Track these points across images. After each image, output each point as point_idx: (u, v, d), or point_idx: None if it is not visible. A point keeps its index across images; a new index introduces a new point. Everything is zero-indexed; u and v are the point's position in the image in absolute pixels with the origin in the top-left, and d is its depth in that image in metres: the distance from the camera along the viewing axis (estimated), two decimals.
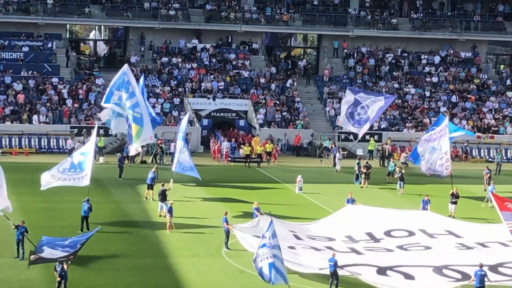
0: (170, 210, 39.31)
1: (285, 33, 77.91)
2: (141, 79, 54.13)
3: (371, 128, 65.51)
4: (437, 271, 33.51)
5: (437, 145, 49.81)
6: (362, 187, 52.04)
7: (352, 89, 61.49)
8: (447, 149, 49.88)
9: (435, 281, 32.43)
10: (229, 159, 59.30)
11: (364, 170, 52.71)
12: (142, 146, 57.69)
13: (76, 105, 63.68)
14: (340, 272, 31.49)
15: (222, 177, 53.61)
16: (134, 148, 50.70)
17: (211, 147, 61.83)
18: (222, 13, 72.64)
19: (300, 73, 72.40)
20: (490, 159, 64.26)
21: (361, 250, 36.33)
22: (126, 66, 50.81)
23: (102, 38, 79.05)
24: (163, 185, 42.71)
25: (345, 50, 74.63)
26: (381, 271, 33.20)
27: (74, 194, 40.73)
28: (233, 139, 61.95)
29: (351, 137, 62.64)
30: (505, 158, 64.91)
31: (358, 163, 53.83)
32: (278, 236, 33.00)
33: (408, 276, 32.78)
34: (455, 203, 45.01)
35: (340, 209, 41.50)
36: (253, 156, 59.33)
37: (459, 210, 45.12)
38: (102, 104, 51.64)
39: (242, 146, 60.48)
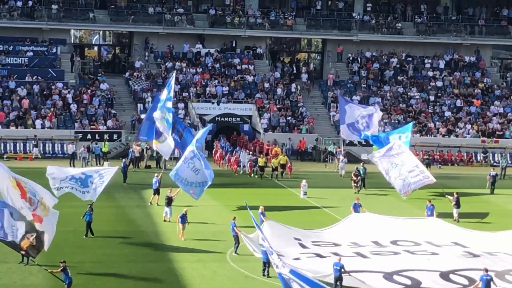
0: (183, 217, 38.84)
1: (290, 38, 77.85)
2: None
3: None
4: (444, 276, 33.39)
5: (399, 161, 49.64)
6: (355, 192, 51.45)
7: (343, 98, 61.56)
8: (416, 162, 49.78)
9: (442, 287, 32.31)
10: (253, 170, 56.67)
11: (354, 178, 52.33)
12: (147, 148, 57.93)
13: (82, 109, 63.73)
14: (346, 278, 31.32)
15: (226, 182, 53.55)
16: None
17: (213, 152, 61.27)
18: (226, 18, 72.70)
19: (304, 86, 71.73)
20: (495, 164, 64.03)
21: (367, 254, 36.23)
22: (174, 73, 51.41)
23: (106, 43, 79.10)
24: (170, 191, 42.69)
25: (349, 55, 74.59)
26: (388, 276, 33.08)
27: (78, 199, 40.68)
28: (254, 150, 60.40)
29: (356, 141, 62.50)
30: (510, 162, 64.92)
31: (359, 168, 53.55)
32: (282, 245, 33.10)
33: (415, 281, 32.65)
34: (456, 206, 44.88)
35: (345, 218, 41.28)
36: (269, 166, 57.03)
37: (465, 214, 45.06)
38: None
39: (260, 155, 58.77)
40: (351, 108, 59.26)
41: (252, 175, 56.56)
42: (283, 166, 56.60)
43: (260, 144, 62.70)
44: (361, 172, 52.83)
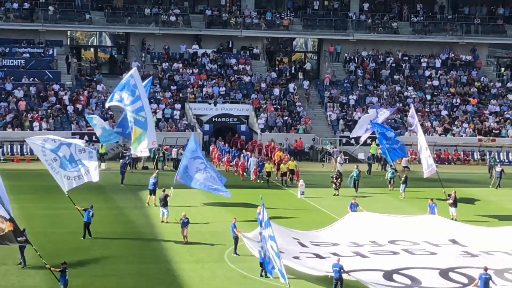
0: (183, 221, 38.62)
1: (286, 38, 77.91)
2: (147, 82, 54.30)
3: (373, 131, 65.60)
4: (443, 274, 33.40)
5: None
6: (335, 194, 50.73)
7: (374, 107, 62.11)
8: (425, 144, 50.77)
9: (442, 286, 32.33)
10: (258, 176, 54.53)
11: (334, 180, 51.23)
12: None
13: (79, 106, 63.72)
14: (346, 276, 31.33)
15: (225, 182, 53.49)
16: (137, 152, 50.57)
17: (211, 153, 61.17)
18: (223, 18, 72.72)
19: (304, 95, 71.24)
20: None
21: (366, 253, 36.22)
22: (134, 69, 50.58)
23: (103, 44, 79.13)
24: (164, 191, 42.68)
25: (345, 54, 74.67)
26: (388, 275, 33.06)
27: (77, 201, 40.72)
28: (260, 156, 58.21)
29: (353, 141, 62.59)
30: (507, 160, 65.08)
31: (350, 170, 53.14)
32: (281, 243, 33.08)
33: (415, 280, 32.67)
34: (454, 205, 44.81)
35: (343, 217, 41.24)
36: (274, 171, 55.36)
37: (462, 212, 45.08)
38: (107, 104, 51.46)
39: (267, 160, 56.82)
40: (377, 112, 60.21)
41: (258, 180, 54.53)
42: (291, 171, 54.52)
43: (272, 148, 60.90)
44: (355, 175, 52.19)
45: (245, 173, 55.59)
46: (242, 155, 57.42)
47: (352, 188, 51.76)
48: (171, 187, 44.84)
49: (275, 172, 55.47)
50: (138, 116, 48.29)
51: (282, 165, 54.77)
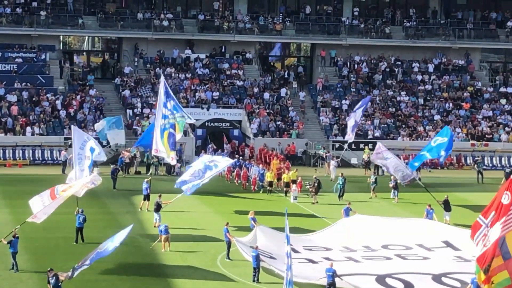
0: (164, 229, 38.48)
1: (279, 42, 77.90)
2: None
3: (365, 136, 65.69)
4: (436, 279, 33.41)
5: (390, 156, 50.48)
6: (313, 203, 49.75)
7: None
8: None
9: None
10: (258, 186, 52.92)
11: (311, 189, 50.39)
12: (135, 157, 57.85)
13: (70, 111, 63.57)
14: (339, 282, 31.29)
15: (217, 187, 53.44)
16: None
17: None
18: (215, 23, 72.69)
19: (300, 108, 70.66)
20: (484, 167, 63.53)
21: (359, 258, 36.25)
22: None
23: (95, 49, 79.01)
24: (160, 197, 42.56)
25: (338, 59, 74.67)
26: (380, 279, 33.06)
27: (69, 206, 40.58)
28: (261, 165, 56.65)
29: (345, 145, 62.54)
30: (499, 165, 65.15)
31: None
32: (274, 249, 32.98)
33: (408, 285, 32.65)
34: (448, 209, 44.77)
35: (336, 221, 41.18)
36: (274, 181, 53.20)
37: (455, 217, 45.07)
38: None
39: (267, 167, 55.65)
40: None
41: (257, 189, 52.95)
42: (293, 181, 51.82)
43: (273, 156, 58.73)
44: (340, 183, 51.46)
45: (249, 184, 53.94)
46: (244, 164, 55.84)
47: (344, 194, 51.49)
48: (177, 196, 44.37)
49: (275, 183, 53.35)
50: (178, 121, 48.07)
51: (284, 175, 52.82)
